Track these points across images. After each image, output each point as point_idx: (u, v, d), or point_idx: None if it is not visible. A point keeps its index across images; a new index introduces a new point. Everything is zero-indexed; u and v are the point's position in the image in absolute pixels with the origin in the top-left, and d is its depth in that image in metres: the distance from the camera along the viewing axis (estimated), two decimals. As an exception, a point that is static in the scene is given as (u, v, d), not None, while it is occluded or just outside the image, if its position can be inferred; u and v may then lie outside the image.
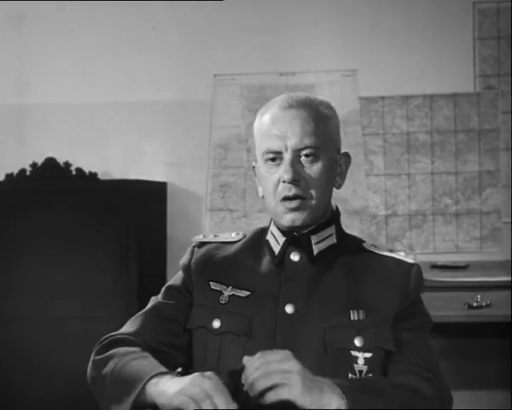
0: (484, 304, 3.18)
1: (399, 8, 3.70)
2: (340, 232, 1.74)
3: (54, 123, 3.83)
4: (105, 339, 1.67)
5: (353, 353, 1.59)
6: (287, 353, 1.45)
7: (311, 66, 3.66)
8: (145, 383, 1.46)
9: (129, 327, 1.70)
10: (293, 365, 1.42)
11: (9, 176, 3.56)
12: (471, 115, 3.68)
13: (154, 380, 1.46)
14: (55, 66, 3.84)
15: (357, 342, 1.59)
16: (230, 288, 1.68)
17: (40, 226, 3.42)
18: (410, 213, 3.71)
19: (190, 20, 3.80)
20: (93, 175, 3.54)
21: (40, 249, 3.41)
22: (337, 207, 1.77)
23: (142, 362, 1.54)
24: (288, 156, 1.64)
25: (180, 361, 1.69)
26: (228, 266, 1.72)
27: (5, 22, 3.90)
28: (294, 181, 1.64)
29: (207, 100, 3.74)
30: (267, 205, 1.71)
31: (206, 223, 3.73)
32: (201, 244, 1.79)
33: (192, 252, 1.78)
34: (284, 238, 1.70)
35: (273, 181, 1.67)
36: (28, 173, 3.54)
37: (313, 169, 1.65)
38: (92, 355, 1.64)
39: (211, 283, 1.70)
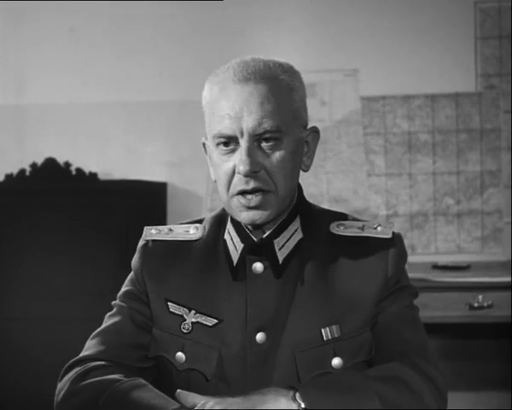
0: (485, 305, 3.17)
1: (401, 7, 3.69)
2: (306, 218, 1.47)
3: (54, 123, 3.83)
4: (75, 364, 1.43)
5: None
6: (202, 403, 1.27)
7: (312, 65, 3.64)
8: None
9: (98, 345, 1.46)
10: (212, 405, 1.25)
11: (9, 176, 3.55)
12: (473, 115, 3.67)
13: None
14: (55, 66, 3.83)
15: (335, 363, 1.38)
16: (193, 312, 1.43)
17: (40, 227, 3.41)
18: (412, 213, 3.69)
19: (191, 20, 3.79)
20: (93, 175, 3.53)
21: (40, 250, 3.40)
22: (299, 186, 1.49)
23: (145, 394, 1.33)
24: (244, 143, 1.36)
25: (149, 379, 1.42)
26: (188, 282, 1.45)
27: (5, 22, 3.89)
28: (253, 173, 1.36)
29: (208, 100, 3.73)
30: (220, 195, 1.44)
31: (206, 223, 3.72)
32: (154, 242, 1.51)
33: (143, 253, 1.52)
34: (242, 245, 1.43)
35: (227, 170, 1.39)
36: (28, 174, 3.53)
37: (276, 156, 1.37)
38: (67, 384, 1.40)
39: (169, 304, 1.45)
